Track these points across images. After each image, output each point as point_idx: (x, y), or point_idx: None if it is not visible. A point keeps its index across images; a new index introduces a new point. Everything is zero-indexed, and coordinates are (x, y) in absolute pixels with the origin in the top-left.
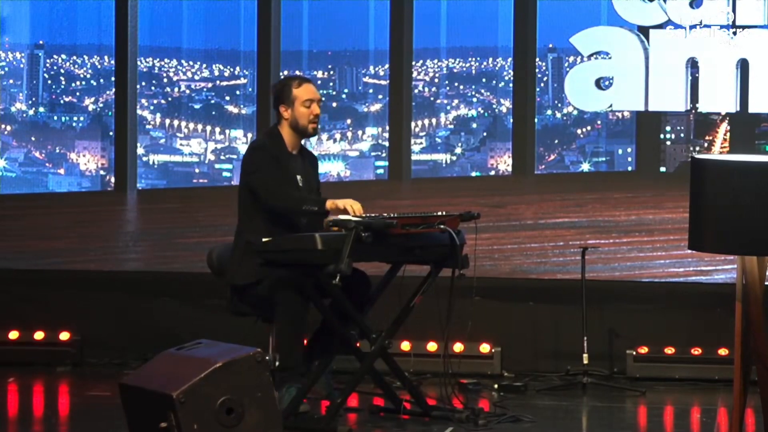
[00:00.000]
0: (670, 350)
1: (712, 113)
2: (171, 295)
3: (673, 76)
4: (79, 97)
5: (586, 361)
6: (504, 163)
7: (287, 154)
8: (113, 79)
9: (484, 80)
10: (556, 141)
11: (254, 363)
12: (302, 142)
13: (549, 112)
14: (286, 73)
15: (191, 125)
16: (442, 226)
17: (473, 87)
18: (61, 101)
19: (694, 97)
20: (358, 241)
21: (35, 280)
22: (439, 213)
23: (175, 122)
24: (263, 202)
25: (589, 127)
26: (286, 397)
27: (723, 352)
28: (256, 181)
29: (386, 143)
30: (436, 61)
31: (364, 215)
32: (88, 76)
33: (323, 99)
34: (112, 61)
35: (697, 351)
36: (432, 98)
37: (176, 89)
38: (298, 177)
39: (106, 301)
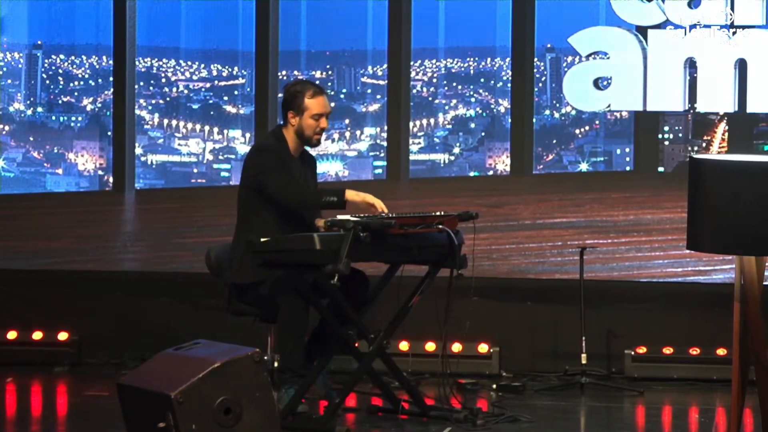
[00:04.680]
0: (668, 350)
1: (710, 113)
2: (169, 295)
3: (671, 76)
4: (77, 97)
5: (584, 361)
6: (502, 163)
7: (290, 157)
8: (111, 79)
9: (482, 80)
10: (555, 141)
11: (252, 363)
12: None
13: (547, 112)
14: (284, 73)
15: (189, 125)
16: (440, 226)
17: (471, 87)
18: (60, 101)
19: (693, 97)
20: (357, 241)
21: (33, 280)
22: (438, 213)
23: (174, 122)
24: (279, 200)
25: (587, 127)
26: (284, 398)
27: (721, 352)
28: (268, 182)
29: (384, 143)
30: (434, 61)
31: (362, 216)
32: (87, 76)
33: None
34: (111, 61)
35: (695, 351)
36: (430, 98)
37: (174, 89)
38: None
39: (104, 301)
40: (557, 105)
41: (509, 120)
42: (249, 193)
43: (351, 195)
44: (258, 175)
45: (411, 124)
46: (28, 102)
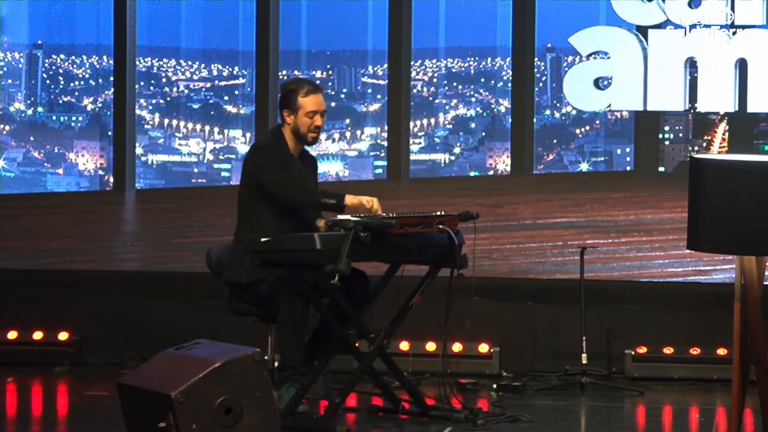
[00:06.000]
0: (668, 350)
1: (710, 113)
2: (170, 295)
3: (671, 76)
4: (77, 97)
5: (584, 361)
6: (503, 162)
7: (289, 156)
8: (112, 79)
9: (482, 80)
10: (555, 141)
11: (253, 363)
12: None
13: (548, 111)
14: (284, 73)
15: (190, 125)
16: (440, 226)
17: (472, 87)
18: (60, 101)
19: (693, 96)
20: (357, 241)
21: (34, 280)
22: (438, 213)
23: (174, 122)
24: (278, 198)
25: (587, 127)
26: (284, 397)
27: (721, 352)
28: (268, 179)
29: (385, 143)
30: (434, 60)
31: (362, 216)
32: (87, 76)
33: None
34: (111, 61)
35: (695, 351)
36: (430, 98)
37: (175, 89)
38: None
39: (104, 301)
40: (557, 105)
41: (509, 120)
42: (249, 192)
43: (350, 199)
44: (257, 173)
45: (411, 124)
46: (29, 102)
